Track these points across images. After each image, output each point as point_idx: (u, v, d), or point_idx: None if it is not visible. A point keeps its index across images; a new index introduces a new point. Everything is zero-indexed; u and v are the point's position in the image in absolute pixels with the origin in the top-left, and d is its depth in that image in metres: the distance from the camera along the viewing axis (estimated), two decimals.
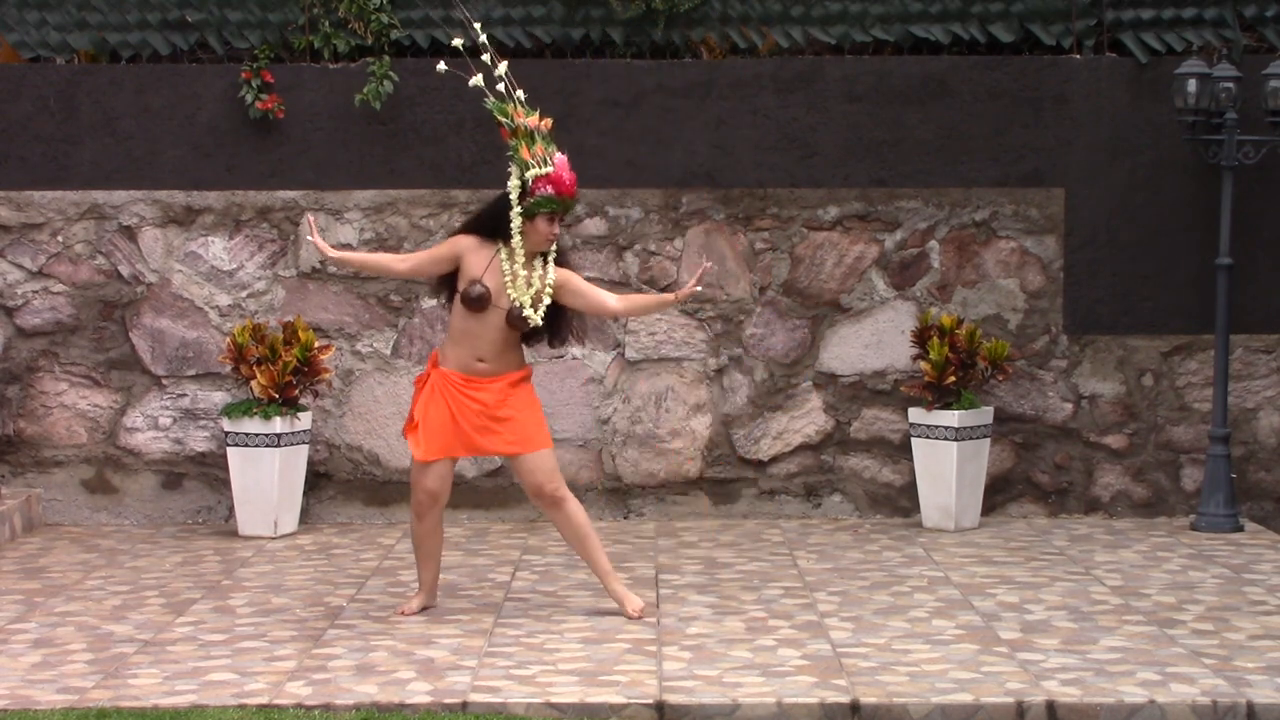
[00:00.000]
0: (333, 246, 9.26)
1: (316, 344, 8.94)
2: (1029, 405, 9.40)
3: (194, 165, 9.34)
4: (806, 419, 9.41)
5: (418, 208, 9.32)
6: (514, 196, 6.94)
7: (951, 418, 8.88)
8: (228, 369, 9.10)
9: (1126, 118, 9.34)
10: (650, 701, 5.92)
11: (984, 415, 9.01)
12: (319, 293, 9.34)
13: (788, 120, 9.35)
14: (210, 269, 9.37)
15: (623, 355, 9.39)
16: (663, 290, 9.25)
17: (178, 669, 6.35)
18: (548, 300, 6.97)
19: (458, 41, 7.36)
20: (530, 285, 6.97)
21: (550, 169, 6.94)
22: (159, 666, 6.38)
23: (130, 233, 9.35)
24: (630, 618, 7.06)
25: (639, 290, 9.30)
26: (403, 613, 7.16)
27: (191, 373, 9.37)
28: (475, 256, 7.00)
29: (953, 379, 8.89)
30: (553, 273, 6.99)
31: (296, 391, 8.87)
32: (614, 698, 5.94)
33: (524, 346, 7.16)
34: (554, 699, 5.94)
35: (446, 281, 7.16)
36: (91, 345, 9.37)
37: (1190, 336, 9.38)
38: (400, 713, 5.86)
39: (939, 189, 9.37)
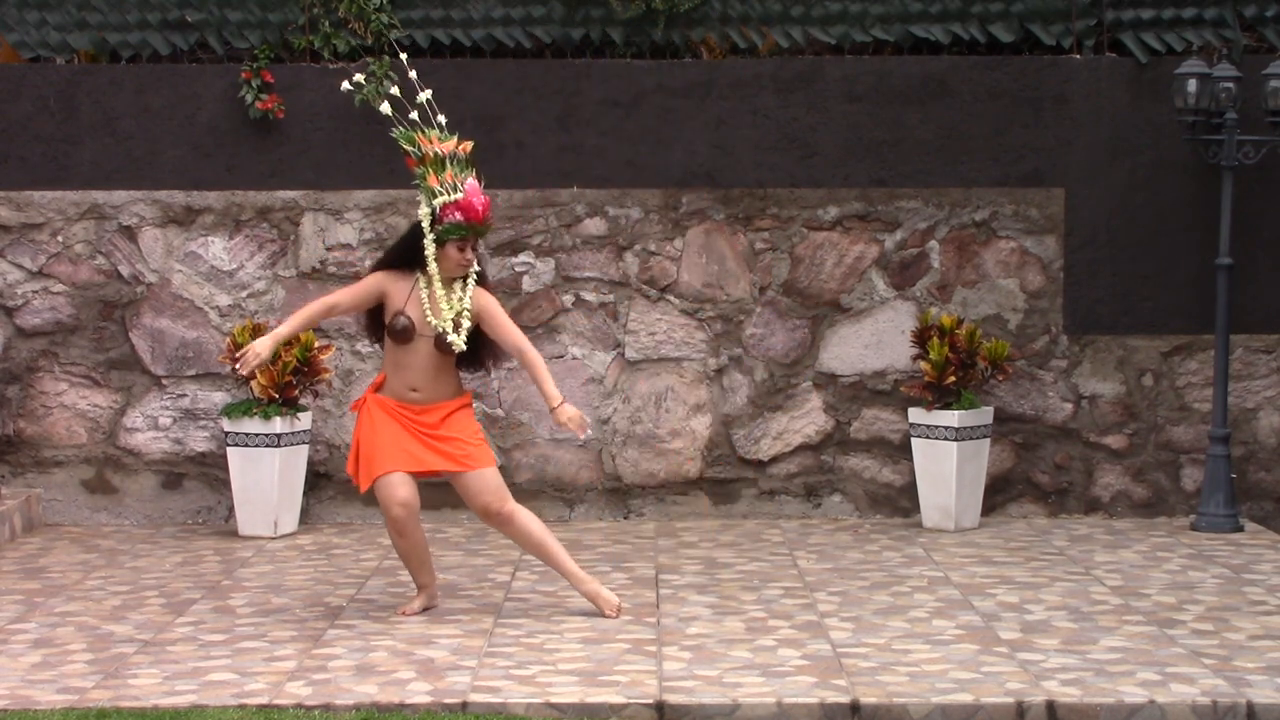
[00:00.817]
0: (333, 245, 9.30)
1: (316, 344, 8.94)
2: (1029, 405, 9.40)
3: (194, 165, 9.34)
4: (806, 419, 9.41)
5: (418, 208, 9.29)
6: (426, 225, 6.96)
7: (951, 418, 8.88)
8: (228, 369, 9.10)
9: (1126, 118, 9.34)
10: (650, 701, 5.92)
11: (984, 415, 9.01)
12: (319, 293, 9.32)
13: (788, 120, 9.34)
14: (210, 269, 9.36)
15: (623, 355, 9.39)
16: (663, 290, 9.26)
17: (178, 669, 6.35)
18: (468, 324, 6.96)
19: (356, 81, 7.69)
20: (451, 309, 6.96)
21: (459, 195, 6.94)
22: (159, 666, 6.38)
23: (130, 233, 9.35)
24: (608, 616, 7.06)
25: (639, 290, 9.31)
26: (404, 613, 7.16)
27: (191, 373, 9.37)
28: (396, 289, 7.02)
29: (953, 379, 8.89)
30: (469, 298, 6.98)
31: (296, 391, 8.87)
32: (614, 698, 5.94)
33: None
34: (554, 699, 5.93)
35: (374, 321, 7.19)
36: (91, 345, 9.37)
37: (1190, 336, 9.38)
38: (400, 713, 5.86)
39: (939, 189, 9.37)
